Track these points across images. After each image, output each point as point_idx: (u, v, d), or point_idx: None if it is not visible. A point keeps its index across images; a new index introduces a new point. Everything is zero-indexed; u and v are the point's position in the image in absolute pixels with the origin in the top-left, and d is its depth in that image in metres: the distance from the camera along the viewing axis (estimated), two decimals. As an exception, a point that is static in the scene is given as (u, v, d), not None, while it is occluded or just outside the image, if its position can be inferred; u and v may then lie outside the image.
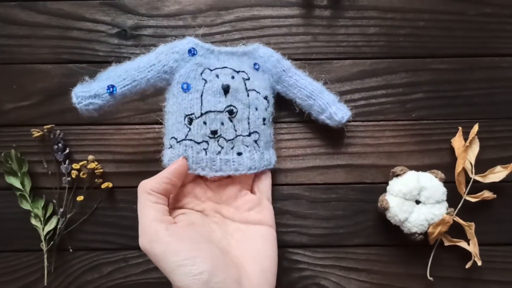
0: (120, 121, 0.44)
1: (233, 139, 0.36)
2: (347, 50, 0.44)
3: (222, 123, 0.36)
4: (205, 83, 0.36)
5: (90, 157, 0.43)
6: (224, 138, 0.36)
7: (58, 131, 0.43)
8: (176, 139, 0.36)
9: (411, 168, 0.42)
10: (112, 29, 0.44)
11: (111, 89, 0.35)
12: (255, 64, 0.40)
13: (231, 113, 0.36)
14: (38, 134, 0.43)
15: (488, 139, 0.43)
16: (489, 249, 0.43)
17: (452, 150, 0.43)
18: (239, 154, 0.36)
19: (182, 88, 0.36)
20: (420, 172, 0.42)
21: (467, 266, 0.42)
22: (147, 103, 0.44)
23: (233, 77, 0.37)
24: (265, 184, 0.39)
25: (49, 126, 0.43)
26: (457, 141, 0.43)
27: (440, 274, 0.43)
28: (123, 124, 0.44)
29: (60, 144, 0.43)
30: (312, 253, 0.44)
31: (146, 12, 0.44)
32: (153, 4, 0.44)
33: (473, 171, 0.42)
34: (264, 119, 0.38)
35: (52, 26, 0.44)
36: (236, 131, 0.36)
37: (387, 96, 0.44)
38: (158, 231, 0.31)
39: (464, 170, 0.42)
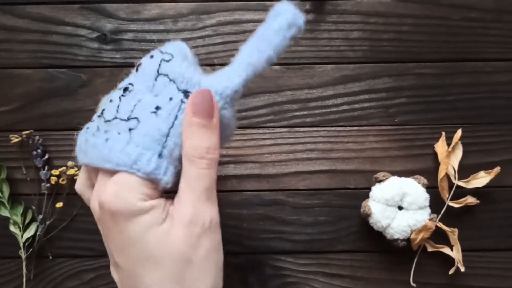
0: (100, 126, 0.43)
1: (110, 120, 0.28)
2: (330, 55, 0.44)
3: (111, 100, 0.29)
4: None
5: (70, 163, 0.43)
6: (104, 118, 0.28)
7: (37, 137, 0.43)
8: None
9: (394, 173, 0.42)
10: (92, 33, 0.44)
11: None
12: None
13: (125, 90, 0.29)
14: (17, 139, 0.42)
15: (472, 144, 0.43)
16: (472, 255, 0.43)
17: (435, 155, 0.43)
18: (106, 140, 0.27)
19: None
20: (403, 178, 0.41)
21: (450, 272, 0.42)
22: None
23: (151, 57, 0.29)
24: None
25: (27, 131, 0.42)
26: (440, 146, 0.43)
27: (423, 280, 0.43)
28: (103, 130, 0.43)
29: (39, 150, 0.42)
30: (295, 259, 0.43)
31: (126, 16, 0.44)
32: (133, 8, 0.44)
33: (456, 176, 0.42)
34: (157, 108, 0.28)
35: (32, 30, 0.43)
36: (117, 112, 0.28)
37: (370, 101, 0.44)
38: None
39: (447, 175, 0.42)
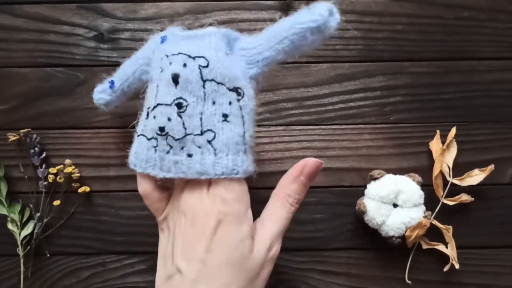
0: (97, 125, 0.43)
1: (182, 138, 0.30)
2: (325, 54, 0.44)
3: (169, 119, 0.30)
4: (161, 72, 0.31)
5: (67, 161, 0.43)
6: (172, 137, 0.30)
7: (34, 135, 0.43)
8: (137, 132, 0.33)
9: (389, 171, 0.42)
10: (89, 32, 0.44)
11: (110, 84, 0.37)
12: (229, 47, 0.32)
13: (179, 106, 0.30)
14: (15, 138, 0.42)
15: (466, 142, 0.44)
16: (466, 252, 0.43)
17: (430, 153, 0.44)
18: (189, 155, 0.30)
19: (149, 78, 0.33)
20: (398, 176, 0.42)
21: (445, 269, 0.42)
22: (124, 107, 0.43)
23: (185, 65, 0.30)
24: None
25: (25, 130, 0.42)
26: (435, 144, 0.43)
27: (418, 277, 0.43)
28: (100, 128, 0.43)
29: (36, 148, 0.43)
30: (291, 256, 0.43)
31: (123, 15, 0.44)
32: (130, 7, 0.44)
33: (451, 174, 0.43)
34: (225, 115, 0.30)
35: (29, 29, 0.44)
36: (185, 129, 0.30)
37: (365, 99, 0.44)
38: None
39: (441, 173, 0.43)
